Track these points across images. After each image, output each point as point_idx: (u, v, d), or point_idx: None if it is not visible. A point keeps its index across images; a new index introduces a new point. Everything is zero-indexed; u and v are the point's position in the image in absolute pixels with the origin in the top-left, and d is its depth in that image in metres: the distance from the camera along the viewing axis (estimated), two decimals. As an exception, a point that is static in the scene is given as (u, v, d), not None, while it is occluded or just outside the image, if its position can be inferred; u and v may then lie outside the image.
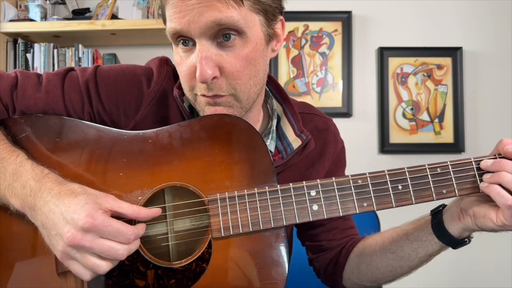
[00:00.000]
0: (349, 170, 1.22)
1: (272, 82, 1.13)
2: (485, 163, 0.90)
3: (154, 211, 0.87)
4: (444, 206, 1.00)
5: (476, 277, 2.66)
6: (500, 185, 0.87)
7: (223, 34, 0.88)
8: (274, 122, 1.10)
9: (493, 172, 0.89)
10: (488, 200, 0.90)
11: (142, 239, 0.91)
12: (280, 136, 1.10)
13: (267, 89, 1.13)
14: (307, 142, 1.08)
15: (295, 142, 1.08)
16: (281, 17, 0.99)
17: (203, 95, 0.93)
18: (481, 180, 0.90)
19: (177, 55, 0.94)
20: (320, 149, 1.15)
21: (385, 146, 2.70)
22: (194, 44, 0.90)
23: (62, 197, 0.82)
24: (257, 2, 0.89)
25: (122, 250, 0.80)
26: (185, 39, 0.90)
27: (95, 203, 0.81)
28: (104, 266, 0.80)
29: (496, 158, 0.90)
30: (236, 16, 0.86)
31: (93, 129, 0.96)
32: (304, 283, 1.58)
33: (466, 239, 0.97)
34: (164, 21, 0.96)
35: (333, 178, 0.91)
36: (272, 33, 0.97)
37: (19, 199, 0.86)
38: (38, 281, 0.90)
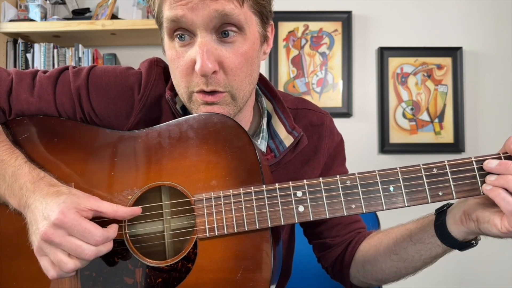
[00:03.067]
0: (349, 170, 1.22)
1: (261, 80, 1.13)
2: (489, 164, 0.83)
3: (134, 210, 0.89)
4: (449, 205, 0.96)
5: (476, 277, 2.66)
6: (505, 189, 0.81)
7: (223, 30, 0.89)
8: (265, 120, 1.09)
9: (497, 174, 0.82)
10: (492, 204, 0.84)
11: (135, 237, 0.93)
12: (272, 134, 1.09)
13: (257, 87, 1.13)
14: (299, 138, 1.06)
15: (287, 139, 1.07)
16: (272, 22, 1.01)
17: (201, 91, 0.93)
18: (482, 182, 0.84)
19: (173, 50, 0.93)
20: (315, 145, 1.13)
21: (385, 146, 2.69)
22: (192, 39, 0.91)
23: (47, 197, 0.85)
24: (256, 3, 0.92)
25: (89, 251, 0.82)
26: (182, 34, 0.91)
27: (72, 202, 0.84)
28: (70, 264, 0.82)
29: (500, 157, 0.84)
30: (237, 11, 0.88)
31: (89, 129, 0.99)
32: (305, 283, 1.58)
33: (472, 242, 0.93)
34: (157, 21, 0.96)
35: (321, 178, 0.89)
36: (265, 35, 0.99)
37: (16, 199, 0.90)
38: (34, 279, 0.92)
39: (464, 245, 0.93)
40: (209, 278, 0.88)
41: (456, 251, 0.97)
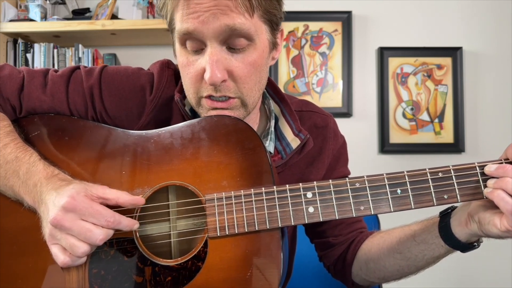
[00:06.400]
0: (349, 170, 1.23)
1: (268, 83, 1.14)
2: (489, 168, 0.87)
3: (136, 199, 0.89)
4: (453, 208, 0.98)
5: (476, 277, 2.67)
6: (504, 190, 0.85)
7: (234, 39, 0.90)
8: (272, 123, 1.11)
9: (497, 177, 0.87)
10: (494, 206, 0.87)
11: (144, 236, 0.94)
12: (279, 136, 1.11)
13: (264, 90, 1.14)
14: (306, 141, 1.08)
15: (294, 141, 1.09)
16: (282, 27, 1.02)
17: (210, 96, 0.94)
18: (485, 186, 0.88)
19: (184, 57, 0.95)
20: (319, 146, 1.15)
21: (385, 146, 2.70)
22: (202, 47, 0.91)
23: (59, 188, 0.87)
24: (266, 12, 0.93)
25: (99, 234, 0.83)
26: (193, 42, 0.91)
27: (81, 188, 0.85)
28: (82, 247, 0.83)
29: (502, 162, 0.88)
30: (247, 24, 0.89)
31: (100, 128, 1.00)
32: (305, 283, 1.58)
33: (475, 243, 0.96)
34: (169, 26, 0.97)
35: (330, 180, 0.90)
36: (275, 42, 1.00)
37: (31, 196, 0.90)
38: (41, 276, 0.93)
39: (467, 246, 0.96)
40: (218, 277, 0.88)
41: (457, 252, 1.00)
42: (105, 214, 0.84)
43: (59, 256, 0.85)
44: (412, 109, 2.71)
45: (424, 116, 2.71)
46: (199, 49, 0.92)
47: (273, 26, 0.97)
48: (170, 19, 0.94)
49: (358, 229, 1.20)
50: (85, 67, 1.07)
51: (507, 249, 2.60)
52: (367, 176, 0.90)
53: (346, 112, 2.70)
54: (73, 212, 0.83)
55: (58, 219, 0.82)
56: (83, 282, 0.91)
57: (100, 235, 0.83)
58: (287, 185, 0.90)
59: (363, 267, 1.15)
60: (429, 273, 1.08)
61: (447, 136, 2.70)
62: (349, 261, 1.17)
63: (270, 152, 1.07)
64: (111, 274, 0.92)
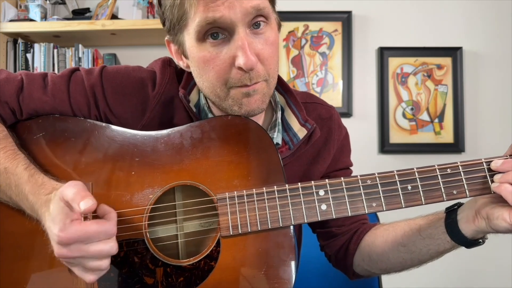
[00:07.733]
0: (350, 168, 1.23)
1: None
2: (495, 164, 0.90)
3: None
4: (460, 205, 1.00)
5: (476, 277, 2.67)
6: (511, 184, 0.87)
7: (254, 22, 0.90)
8: (279, 114, 1.12)
9: (503, 172, 0.89)
10: (502, 201, 0.90)
11: (154, 237, 0.94)
12: (286, 127, 1.12)
13: None
14: (313, 130, 1.09)
15: (301, 132, 1.09)
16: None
17: (244, 86, 0.93)
18: (492, 181, 0.90)
19: (205, 52, 0.93)
20: (325, 137, 1.16)
21: (385, 146, 2.70)
22: (226, 36, 0.91)
23: (45, 213, 0.84)
24: None
25: (111, 247, 0.81)
26: (216, 32, 0.90)
27: (63, 214, 0.80)
28: (104, 264, 0.82)
29: (507, 158, 0.90)
30: (265, 2, 0.90)
31: (108, 129, 0.99)
32: (305, 283, 1.58)
33: (480, 240, 0.97)
34: (176, 26, 0.95)
35: (342, 178, 0.91)
36: (278, 21, 1.00)
37: (28, 209, 0.90)
38: (48, 275, 0.92)
39: (472, 242, 0.97)
40: (232, 276, 0.89)
41: (458, 251, 1.02)
42: (103, 231, 0.80)
43: (84, 276, 0.83)
44: (412, 109, 2.71)
45: (424, 116, 2.71)
46: (221, 42, 0.91)
47: (274, 6, 0.98)
48: (182, 17, 0.92)
49: (360, 220, 1.22)
50: (84, 68, 1.06)
51: (507, 249, 2.61)
52: (378, 173, 0.91)
53: (346, 112, 2.71)
54: (72, 244, 0.79)
55: (64, 255, 0.79)
56: (91, 285, 0.90)
57: (112, 247, 0.81)
58: (299, 183, 0.91)
59: (366, 258, 1.16)
60: (429, 272, 1.09)
61: (447, 136, 2.70)
62: (352, 251, 1.18)
63: (278, 144, 1.08)
64: (121, 275, 0.91)
